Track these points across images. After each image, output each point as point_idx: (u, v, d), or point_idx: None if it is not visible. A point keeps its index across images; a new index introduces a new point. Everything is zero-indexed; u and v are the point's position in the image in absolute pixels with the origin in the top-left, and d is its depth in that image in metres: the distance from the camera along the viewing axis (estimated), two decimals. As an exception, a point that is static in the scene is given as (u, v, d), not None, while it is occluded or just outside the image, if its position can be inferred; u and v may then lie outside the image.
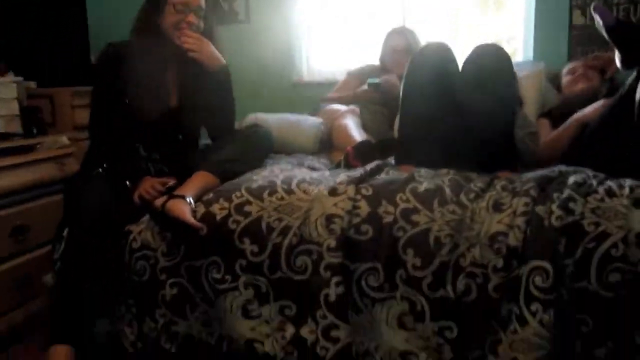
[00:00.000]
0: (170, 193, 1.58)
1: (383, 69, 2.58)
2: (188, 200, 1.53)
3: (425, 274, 1.36)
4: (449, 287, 1.35)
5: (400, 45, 2.51)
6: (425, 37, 2.59)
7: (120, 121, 1.74)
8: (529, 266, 1.27)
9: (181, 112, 1.86)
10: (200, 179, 1.63)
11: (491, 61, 1.70)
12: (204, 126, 1.98)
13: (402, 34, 2.56)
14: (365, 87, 2.45)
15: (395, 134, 2.30)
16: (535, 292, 1.25)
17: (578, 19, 2.64)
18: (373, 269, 1.39)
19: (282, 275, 1.44)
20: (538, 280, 1.25)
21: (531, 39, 2.70)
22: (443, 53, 1.78)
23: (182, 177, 1.67)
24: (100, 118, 1.79)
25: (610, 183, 1.39)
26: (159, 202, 1.55)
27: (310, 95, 2.78)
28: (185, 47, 1.74)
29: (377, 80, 2.39)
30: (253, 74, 2.89)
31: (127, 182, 1.66)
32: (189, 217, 1.47)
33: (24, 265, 2.14)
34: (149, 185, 1.64)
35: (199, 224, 1.47)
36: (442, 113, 1.69)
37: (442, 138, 1.70)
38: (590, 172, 1.47)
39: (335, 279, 1.37)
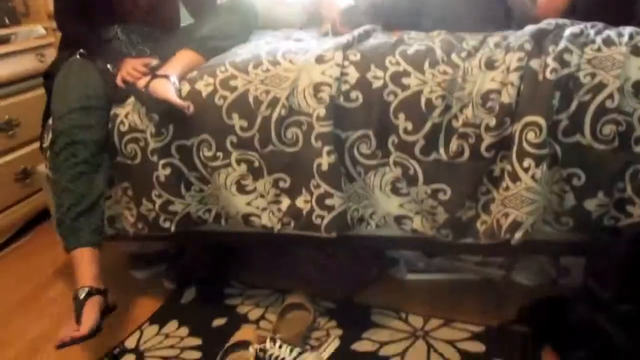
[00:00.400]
0: (153, 73, 1.53)
1: None
2: (172, 79, 1.46)
3: (418, 138, 1.34)
4: (442, 150, 1.34)
5: None
6: None
7: (89, 5, 1.63)
8: (521, 122, 1.24)
9: None
10: (183, 57, 1.56)
11: None
12: (183, 4, 1.87)
13: None
14: None
15: None
16: (528, 148, 1.23)
17: None
18: (365, 136, 1.37)
19: (273, 148, 1.42)
20: (531, 135, 1.22)
21: None
22: None
23: (166, 57, 1.61)
24: (67, 4, 1.68)
25: (609, 32, 1.32)
26: (142, 82, 1.50)
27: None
28: None
29: None
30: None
31: (109, 66, 1.59)
32: (172, 96, 1.42)
33: (19, 160, 2.15)
34: (131, 67, 1.57)
35: (184, 103, 1.42)
36: None
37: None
38: (588, 24, 1.39)
39: (326, 148, 1.35)
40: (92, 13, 1.67)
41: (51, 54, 2.23)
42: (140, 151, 1.50)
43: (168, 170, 1.49)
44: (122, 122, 1.51)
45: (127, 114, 1.52)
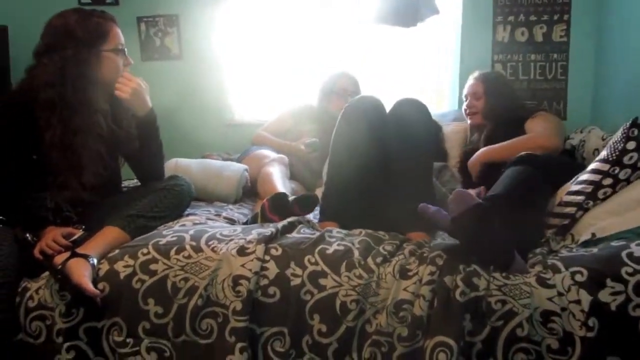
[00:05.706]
0: (75, 248, 1.46)
1: (321, 109, 2.53)
2: (91, 260, 1.38)
3: (331, 341, 1.28)
4: (355, 355, 1.28)
5: (351, 88, 2.50)
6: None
7: (22, 171, 1.56)
8: (433, 340, 1.21)
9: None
10: (108, 235, 1.49)
11: (410, 112, 1.70)
12: (133, 171, 1.86)
13: (352, 77, 2.52)
14: (302, 146, 2.41)
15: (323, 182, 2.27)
16: (440, 368, 1.17)
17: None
18: (279, 333, 1.31)
19: (186, 338, 1.33)
20: (442, 356, 1.18)
21: (456, 90, 2.77)
22: (375, 107, 1.74)
23: (94, 225, 1.55)
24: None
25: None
26: (59, 259, 1.40)
27: (242, 137, 2.73)
28: (120, 94, 1.61)
29: (315, 140, 2.37)
30: (185, 113, 2.81)
31: (28, 235, 1.54)
32: (86, 281, 1.33)
33: None
34: (51, 238, 1.48)
35: (95, 292, 1.33)
36: (370, 167, 1.66)
37: (368, 193, 1.67)
38: None
39: (239, 345, 1.27)
40: (27, 180, 1.60)
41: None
42: (46, 330, 1.38)
43: (72, 354, 1.35)
44: (31, 298, 1.39)
45: (39, 288, 1.40)
